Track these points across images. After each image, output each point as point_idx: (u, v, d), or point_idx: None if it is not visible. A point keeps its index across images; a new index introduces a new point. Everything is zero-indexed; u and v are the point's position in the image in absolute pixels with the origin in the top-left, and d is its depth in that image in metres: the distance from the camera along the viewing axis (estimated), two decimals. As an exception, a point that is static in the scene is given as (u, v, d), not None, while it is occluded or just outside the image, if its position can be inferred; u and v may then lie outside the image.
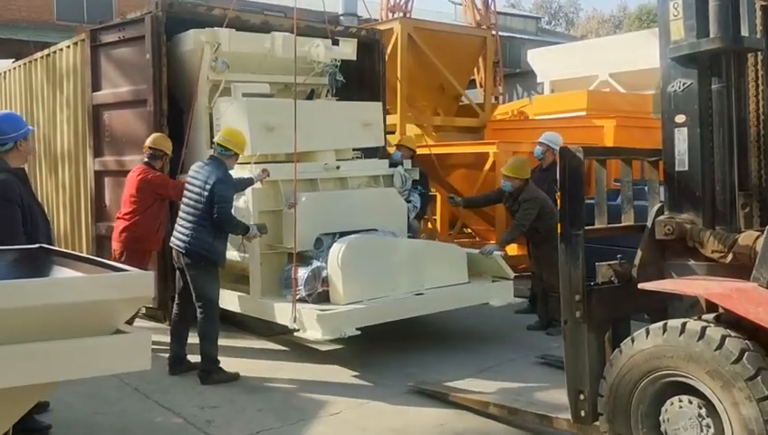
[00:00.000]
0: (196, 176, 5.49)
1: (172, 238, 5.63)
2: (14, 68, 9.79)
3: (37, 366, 2.52)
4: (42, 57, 8.81)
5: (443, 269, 6.42)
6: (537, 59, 16.44)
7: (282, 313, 5.71)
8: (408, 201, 7.14)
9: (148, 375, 4.88)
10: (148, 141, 6.32)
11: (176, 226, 5.63)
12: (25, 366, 2.48)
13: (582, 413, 3.78)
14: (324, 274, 5.86)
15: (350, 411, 4.81)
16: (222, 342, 5.62)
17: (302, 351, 6.13)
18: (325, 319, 5.45)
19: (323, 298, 5.83)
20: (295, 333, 5.67)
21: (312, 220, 5.96)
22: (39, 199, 5.46)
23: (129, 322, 5.57)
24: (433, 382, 5.25)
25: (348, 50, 7.38)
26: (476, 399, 4.78)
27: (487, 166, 8.94)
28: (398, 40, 10.38)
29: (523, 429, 4.44)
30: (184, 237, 5.45)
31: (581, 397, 3.78)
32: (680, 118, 3.67)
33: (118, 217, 6.37)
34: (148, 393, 5.08)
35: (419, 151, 8.16)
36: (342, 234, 6.18)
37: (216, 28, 6.69)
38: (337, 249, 5.86)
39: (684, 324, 3.24)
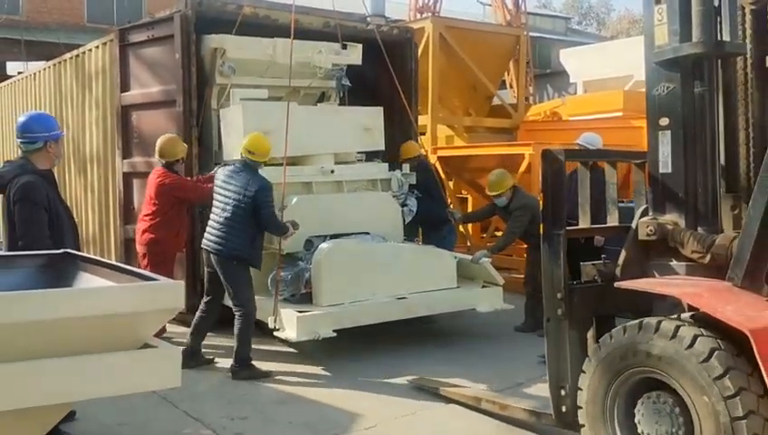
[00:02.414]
0: (230, 181, 5.53)
1: (204, 241, 5.65)
2: (44, 69, 9.76)
3: (61, 384, 2.35)
4: (71, 58, 8.75)
5: (431, 274, 6.44)
6: (570, 59, 16.04)
7: (266, 312, 5.78)
8: (405, 205, 7.18)
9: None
10: (156, 150, 6.22)
11: (208, 229, 5.65)
12: (48, 384, 2.31)
13: (563, 409, 3.86)
14: (307, 275, 5.95)
15: (385, 425, 4.61)
16: (252, 347, 5.61)
17: (333, 359, 5.94)
18: (301, 320, 5.54)
19: (307, 299, 5.93)
20: (275, 333, 5.76)
21: (302, 222, 6.01)
22: (67, 201, 5.37)
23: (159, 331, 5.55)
24: (431, 379, 5.26)
25: (353, 55, 7.37)
26: (469, 394, 4.88)
27: (522, 168, 8.70)
28: (430, 39, 10.19)
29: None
30: (221, 240, 5.48)
31: (562, 393, 3.85)
32: (664, 121, 3.72)
33: (139, 220, 6.37)
34: (176, 403, 4.92)
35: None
36: (334, 236, 6.27)
37: (222, 35, 6.74)
38: (320, 252, 5.96)
39: (634, 324, 3.36)
